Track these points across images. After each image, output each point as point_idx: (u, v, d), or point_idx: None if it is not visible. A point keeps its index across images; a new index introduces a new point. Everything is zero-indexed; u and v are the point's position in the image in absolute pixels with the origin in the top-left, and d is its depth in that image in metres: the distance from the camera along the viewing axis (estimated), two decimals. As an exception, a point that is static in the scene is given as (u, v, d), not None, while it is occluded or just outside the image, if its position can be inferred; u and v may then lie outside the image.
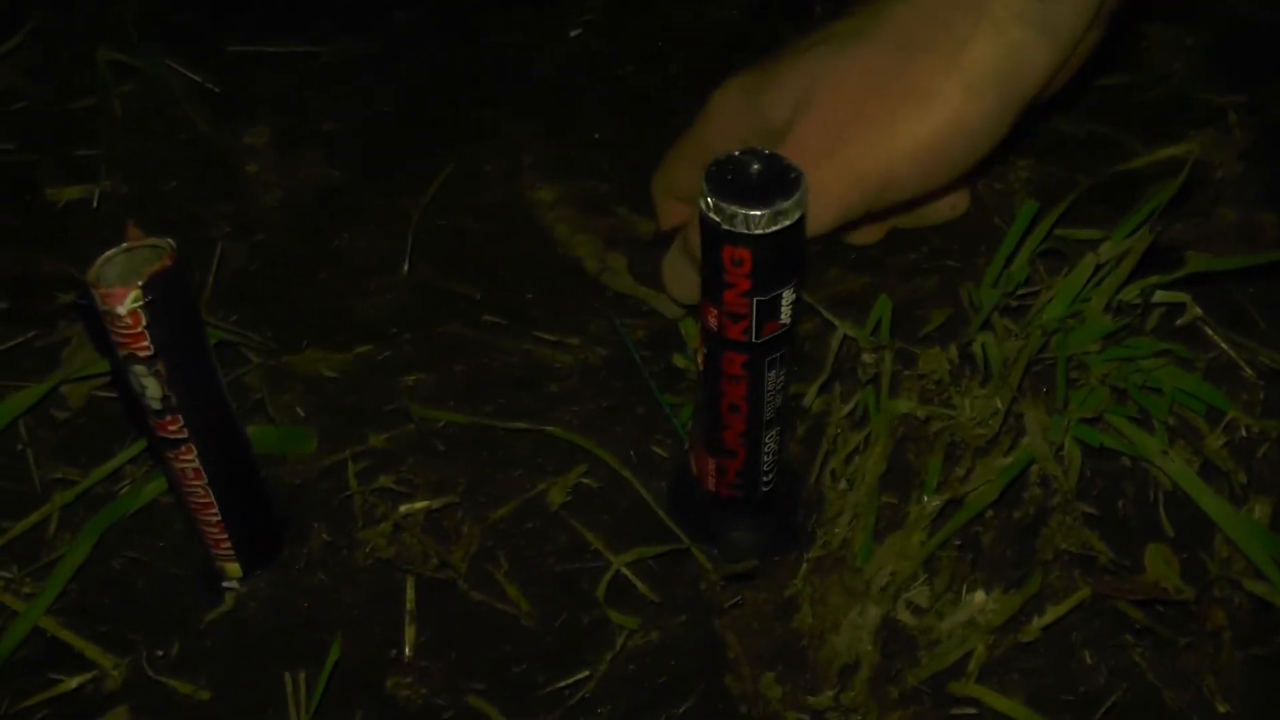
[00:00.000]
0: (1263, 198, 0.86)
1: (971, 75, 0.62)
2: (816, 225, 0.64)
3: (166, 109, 0.97)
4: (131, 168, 0.93)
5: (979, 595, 0.63)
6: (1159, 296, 0.73)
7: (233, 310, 0.81)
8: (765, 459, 0.63)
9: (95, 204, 0.90)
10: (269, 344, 0.78)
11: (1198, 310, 0.73)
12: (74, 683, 0.63)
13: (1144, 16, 1.00)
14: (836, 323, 0.70)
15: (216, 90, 0.98)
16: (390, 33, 1.05)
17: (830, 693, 0.61)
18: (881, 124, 0.63)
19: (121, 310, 0.54)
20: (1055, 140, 0.91)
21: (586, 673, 0.62)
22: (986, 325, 0.70)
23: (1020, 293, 0.73)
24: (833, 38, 0.66)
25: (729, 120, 0.70)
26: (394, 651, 0.63)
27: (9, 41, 1.03)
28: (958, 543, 0.65)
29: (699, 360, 0.60)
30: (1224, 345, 0.74)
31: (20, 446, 0.73)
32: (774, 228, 0.52)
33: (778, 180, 0.53)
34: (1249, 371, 0.73)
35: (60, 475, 0.72)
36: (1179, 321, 0.73)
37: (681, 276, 0.72)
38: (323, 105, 0.97)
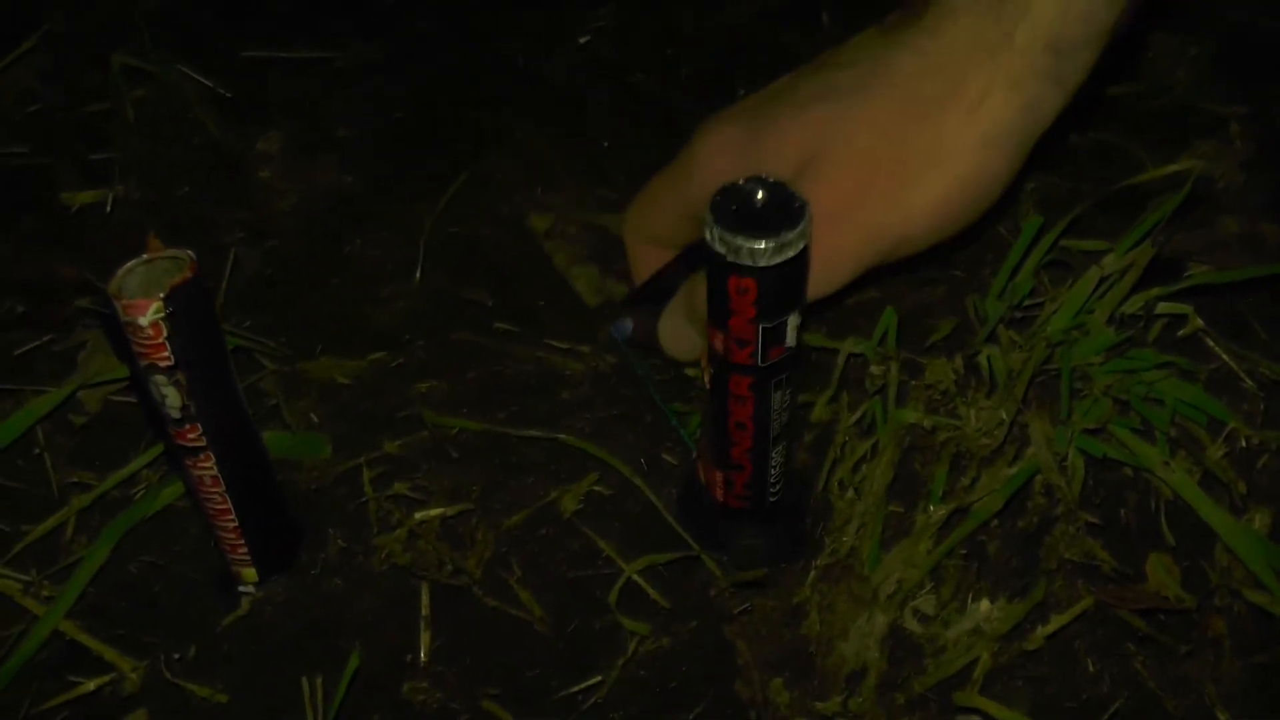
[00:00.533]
0: (1265, 208, 0.87)
1: (988, 133, 0.62)
2: (831, 284, 0.64)
3: (180, 114, 0.98)
4: (145, 172, 0.93)
5: (984, 604, 0.64)
6: (1161, 308, 0.74)
7: (246, 316, 0.82)
8: (772, 472, 0.64)
9: (109, 208, 0.91)
10: (283, 350, 0.79)
11: (1199, 322, 0.74)
12: (92, 685, 0.64)
13: (1147, 26, 1.01)
14: (841, 345, 0.71)
15: (229, 95, 0.99)
16: (403, 38, 1.06)
17: (838, 699, 0.62)
18: (898, 186, 0.63)
19: (143, 322, 0.55)
20: (1060, 150, 0.92)
21: (599, 678, 0.63)
22: (992, 337, 0.71)
23: (1025, 304, 0.74)
24: (836, 91, 0.64)
25: (719, 169, 0.66)
26: (409, 657, 0.64)
27: (23, 45, 1.04)
28: (963, 551, 0.66)
29: (706, 379, 0.61)
30: (1225, 357, 0.75)
31: (38, 451, 0.74)
32: (779, 259, 0.53)
33: (782, 210, 0.54)
34: (1249, 383, 0.74)
35: (77, 479, 0.73)
36: (1181, 333, 0.75)
37: (682, 338, 0.69)
38: (336, 111, 0.98)
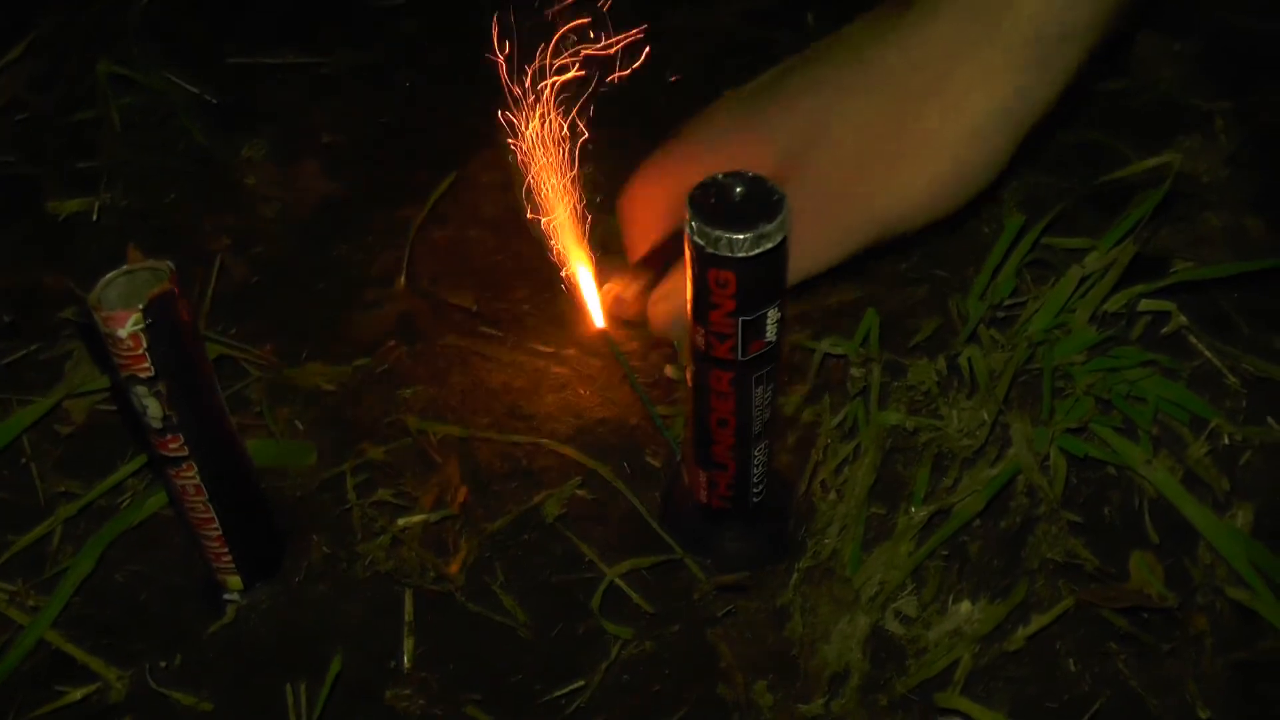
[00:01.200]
0: (1249, 203, 0.87)
1: (974, 123, 0.62)
2: (831, 257, 0.65)
3: (166, 121, 0.98)
4: (131, 180, 0.94)
5: (965, 605, 0.64)
6: (1144, 305, 0.74)
7: (232, 323, 0.82)
8: (755, 471, 0.64)
9: (95, 216, 0.91)
10: (268, 357, 0.79)
11: (1183, 318, 0.74)
12: (79, 694, 0.64)
13: (1133, 23, 1.01)
14: (818, 345, 0.71)
15: (215, 102, 1.00)
16: (389, 43, 1.06)
17: (821, 700, 0.62)
18: (888, 174, 0.63)
19: (123, 333, 0.56)
20: (1044, 147, 0.92)
21: (582, 682, 0.63)
22: (974, 337, 0.72)
23: (1007, 304, 0.74)
24: (823, 86, 0.65)
25: (707, 160, 0.66)
26: (393, 663, 0.64)
27: (11, 53, 1.04)
28: (945, 553, 0.66)
29: (688, 377, 0.61)
30: (1208, 354, 0.75)
31: (24, 460, 0.75)
32: (757, 250, 0.53)
33: (761, 203, 0.54)
34: (1232, 379, 0.74)
35: (63, 489, 0.73)
36: (1164, 330, 0.75)
37: (673, 317, 0.68)
38: (322, 117, 0.98)
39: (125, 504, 0.71)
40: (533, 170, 0.76)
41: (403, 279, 0.84)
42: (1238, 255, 0.83)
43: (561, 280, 0.77)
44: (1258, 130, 0.92)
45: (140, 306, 0.55)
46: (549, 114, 0.77)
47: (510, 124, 0.76)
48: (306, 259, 0.87)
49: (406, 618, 0.66)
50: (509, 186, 0.78)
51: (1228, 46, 1.00)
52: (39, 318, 0.83)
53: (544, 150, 0.77)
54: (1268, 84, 0.96)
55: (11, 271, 0.88)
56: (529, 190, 0.76)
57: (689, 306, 0.58)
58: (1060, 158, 0.91)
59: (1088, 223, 0.82)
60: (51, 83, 1.03)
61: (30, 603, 0.68)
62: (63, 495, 0.73)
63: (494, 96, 0.99)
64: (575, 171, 0.77)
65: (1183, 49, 1.00)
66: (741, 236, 0.53)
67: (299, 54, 1.04)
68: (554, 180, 0.76)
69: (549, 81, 0.77)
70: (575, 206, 0.77)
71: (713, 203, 0.54)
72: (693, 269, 0.55)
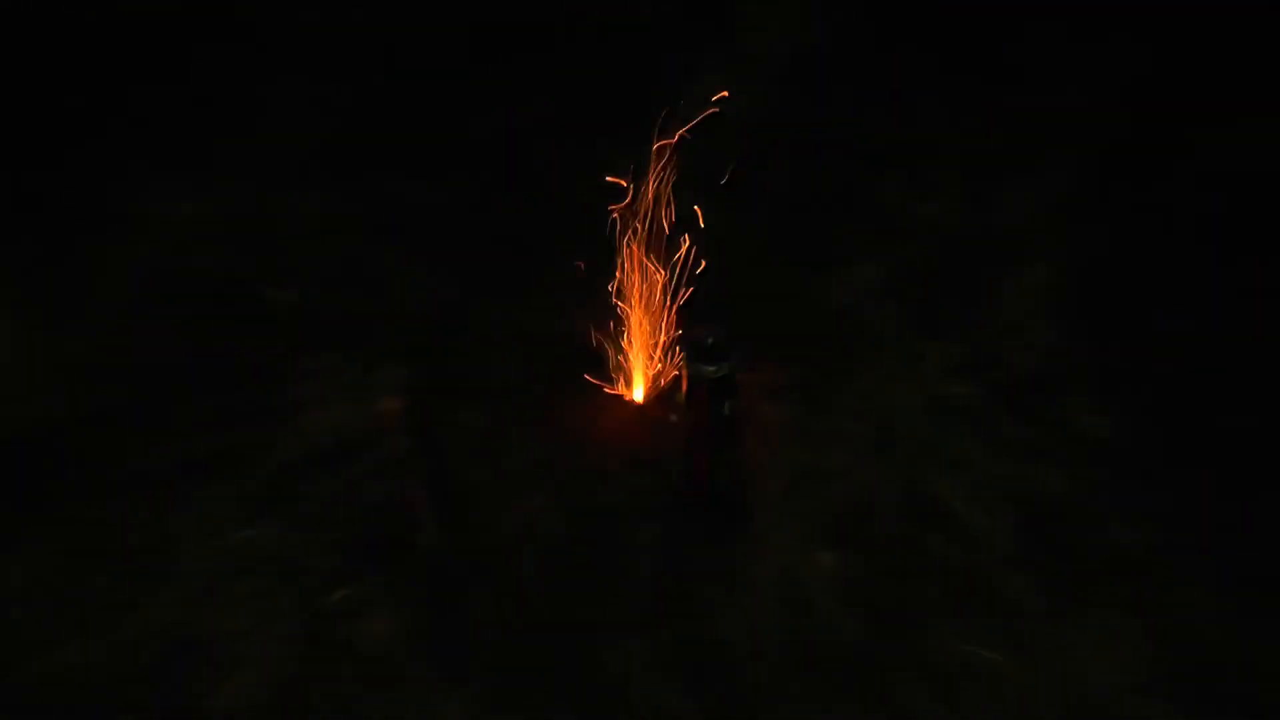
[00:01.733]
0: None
1: None
2: None
3: (331, 234, 1.53)
4: (317, 276, 1.47)
5: (829, 555, 1.18)
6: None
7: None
8: (721, 480, 1.18)
9: (294, 304, 1.44)
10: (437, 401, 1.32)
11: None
12: (339, 594, 1.17)
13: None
14: (763, 410, 1.26)
15: (369, 218, 1.53)
16: (494, 171, 1.62)
17: (752, 603, 1.16)
18: None
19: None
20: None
21: (629, 595, 1.17)
22: (854, 412, 1.26)
23: (878, 394, 1.29)
24: None
25: None
26: (528, 585, 1.18)
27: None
28: (821, 526, 1.20)
29: (683, 428, 1.15)
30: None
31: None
32: (720, 375, 1.07)
33: (722, 347, 1.08)
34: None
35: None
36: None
37: None
38: (447, 235, 1.53)
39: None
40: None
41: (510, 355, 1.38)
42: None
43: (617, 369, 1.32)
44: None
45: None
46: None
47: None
48: (443, 342, 1.40)
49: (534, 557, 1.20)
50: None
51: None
52: (260, 378, 1.36)
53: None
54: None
55: (246, 342, 1.40)
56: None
57: (683, 397, 1.11)
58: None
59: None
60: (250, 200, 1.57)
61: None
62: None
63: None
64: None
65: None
66: (711, 368, 1.07)
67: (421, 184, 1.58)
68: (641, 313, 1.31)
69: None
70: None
71: (694, 347, 1.09)
72: (686, 382, 1.09)
